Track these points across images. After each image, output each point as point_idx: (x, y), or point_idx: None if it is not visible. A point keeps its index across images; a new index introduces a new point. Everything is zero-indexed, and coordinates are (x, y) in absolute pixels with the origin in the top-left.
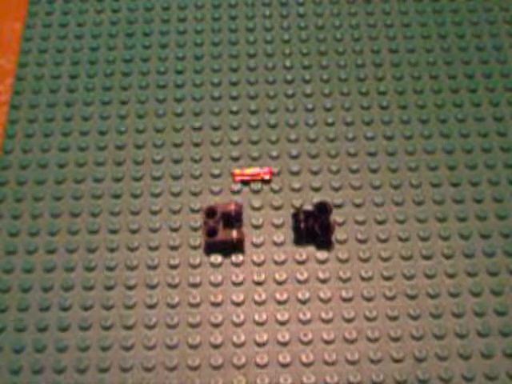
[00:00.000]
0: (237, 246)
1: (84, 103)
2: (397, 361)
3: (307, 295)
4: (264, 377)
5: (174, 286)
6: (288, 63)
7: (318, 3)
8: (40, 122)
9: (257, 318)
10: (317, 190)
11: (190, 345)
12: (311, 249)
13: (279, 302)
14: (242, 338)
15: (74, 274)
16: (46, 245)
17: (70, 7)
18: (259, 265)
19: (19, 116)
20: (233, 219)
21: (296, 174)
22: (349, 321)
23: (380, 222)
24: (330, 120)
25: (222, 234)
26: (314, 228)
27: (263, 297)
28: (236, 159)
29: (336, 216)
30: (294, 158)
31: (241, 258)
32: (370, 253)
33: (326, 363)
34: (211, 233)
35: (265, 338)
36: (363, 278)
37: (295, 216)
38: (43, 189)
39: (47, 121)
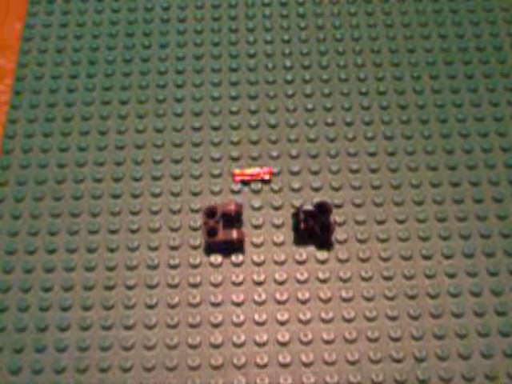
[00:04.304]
0: (237, 246)
1: (84, 103)
2: (397, 361)
3: (307, 295)
4: (264, 377)
5: (174, 286)
6: (288, 63)
7: (317, 3)
8: (40, 121)
9: (257, 317)
10: (317, 190)
11: (189, 345)
12: (311, 249)
13: (279, 302)
14: (242, 338)
15: (74, 274)
16: (46, 245)
17: (70, 7)
18: (259, 265)
19: (19, 116)
20: (233, 219)
21: (296, 173)
22: (349, 321)
23: (380, 222)
24: (329, 120)
25: (222, 234)
26: (314, 228)
27: (263, 297)
28: (236, 159)
29: (336, 216)
30: (294, 158)
31: (241, 257)
32: (369, 253)
33: (326, 363)
34: (211, 233)
35: (265, 338)
36: (363, 278)
37: (295, 216)
38: (43, 189)
39: (47, 121)
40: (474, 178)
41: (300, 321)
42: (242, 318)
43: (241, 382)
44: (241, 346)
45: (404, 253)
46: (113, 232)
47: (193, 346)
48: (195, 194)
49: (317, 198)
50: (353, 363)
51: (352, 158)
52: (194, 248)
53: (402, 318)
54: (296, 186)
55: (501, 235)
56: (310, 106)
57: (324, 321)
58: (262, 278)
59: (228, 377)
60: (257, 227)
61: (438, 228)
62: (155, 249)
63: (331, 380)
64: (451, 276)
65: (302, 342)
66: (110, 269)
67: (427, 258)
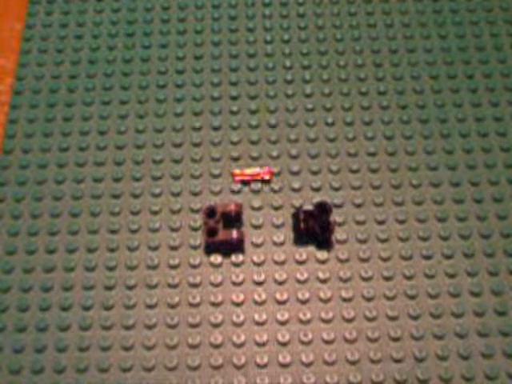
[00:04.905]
0: (237, 246)
1: (84, 103)
2: (397, 361)
3: (307, 295)
4: (264, 377)
5: (174, 286)
6: (288, 63)
7: (317, 3)
8: (40, 121)
9: (257, 317)
10: (317, 190)
11: (189, 345)
12: (311, 249)
13: (279, 302)
14: (242, 338)
15: (74, 274)
16: (46, 245)
17: (70, 7)
18: (259, 265)
19: (19, 116)
20: (233, 219)
21: (296, 173)
22: (349, 321)
23: (380, 222)
24: (329, 120)
25: (222, 234)
26: (314, 228)
27: (263, 297)
28: (236, 159)
29: (336, 216)
30: (294, 158)
31: (241, 257)
32: (370, 253)
33: (326, 363)
34: (211, 233)
35: (265, 338)
36: (363, 278)
37: (295, 216)
38: (43, 189)
39: (47, 121)
40: (474, 178)
41: (300, 321)
42: (241, 317)
43: (241, 382)
44: (241, 345)
45: (404, 253)
46: (113, 232)
47: (193, 346)
48: (195, 194)
49: (317, 198)
50: (353, 363)
51: (352, 158)
52: (194, 248)
53: (402, 318)
54: (296, 185)
55: (501, 235)
56: (310, 106)
57: (324, 321)
58: (262, 277)
59: (228, 377)
60: (257, 227)
61: (438, 228)
62: (155, 249)
63: (331, 380)
64: (451, 276)
65: (302, 342)
66: (110, 269)
67: (427, 257)
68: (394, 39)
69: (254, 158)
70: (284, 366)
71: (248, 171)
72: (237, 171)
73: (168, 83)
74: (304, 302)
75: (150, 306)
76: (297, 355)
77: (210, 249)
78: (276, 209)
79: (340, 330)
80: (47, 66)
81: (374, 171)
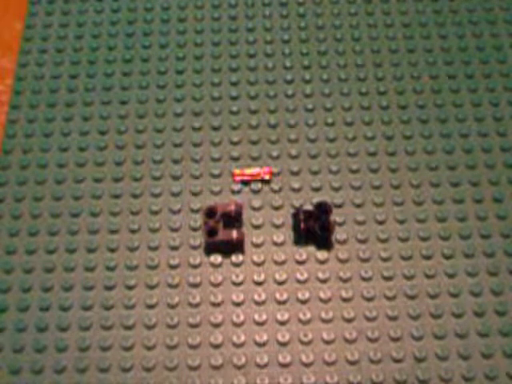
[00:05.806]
0: (237, 246)
1: (84, 103)
2: (397, 361)
3: (307, 295)
4: (264, 377)
5: (174, 286)
6: (288, 63)
7: (317, 3)
8: (40, 121)
9: (257, 317)
10: (317, 190)
11: (189, 345)
12: (311, 249)
13: (279, 302)
14: (242, 338)
15: (74, 274)
16: (46, 245)
17: (70, 7)
18: (259, 265)
19: (19, 116)
20: (233, 219)
21: (296, 173)
22: (349, 321)
23: (380, 222)
24: (329, 120)
25: (222, 234)
26: (314, 228)
27: (263, 297)
28: (236, 159)
29: (336, 216)
30: (294, 157)
31: (241, 258)
32: (370, 253)
33: (326, 363)
34: (211, 233)
35: (265, 337)
36: (363, 278)
37: (295, 216)
38: (43, 189)
39: (47, 121)
40: (474, 178)
41: (300, 321)
42: (242, 317)
43: (241, 382)
44: (241, 345)
45: (404, 253)
46: (113, 232)
47: (193, 346)
48: (195, 194)
49: (317, 198)
50: (353, 363)
51: (352, 158)
52: (194, 248)
53: (402, 318)
54: (296, 185)
55: (501, 235)
56: (310, 106)
57: (324, 321)
58: (261, 277)
59: (228, 377)
60: (257, 227)
61: (438, 228)
62: (155, 249)
63: (331, 380)
64: (451, 276)
65: (301, 342)
66: (110, 269)
67: (427, 257)
68: (394, 39)
69: (254, 158)
70: (284, 365)
71: (248, 171)
72: (237, 171)
73: (168, 83)
74: (304, 302)
75: (150, 306)
76: (297, 355)
77: (209, 249)
78: (276, 209)
79: (340, 330)
80: (47, 65)
81: (374, 171)
